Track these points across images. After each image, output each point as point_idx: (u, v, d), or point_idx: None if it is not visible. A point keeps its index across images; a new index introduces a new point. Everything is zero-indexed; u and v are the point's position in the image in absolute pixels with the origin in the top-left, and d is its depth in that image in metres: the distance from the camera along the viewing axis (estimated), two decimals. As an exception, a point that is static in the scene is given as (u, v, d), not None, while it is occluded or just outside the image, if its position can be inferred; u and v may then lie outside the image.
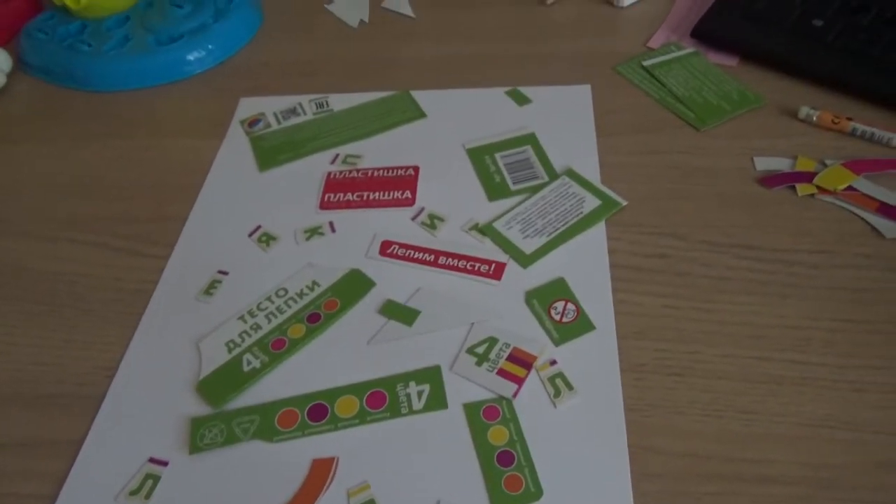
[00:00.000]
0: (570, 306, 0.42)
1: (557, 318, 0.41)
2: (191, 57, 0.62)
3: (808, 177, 0.47)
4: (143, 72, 0.61)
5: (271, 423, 0.38)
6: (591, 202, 0.47)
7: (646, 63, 0.57)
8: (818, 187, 0.47)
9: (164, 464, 0.36)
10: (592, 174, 0.49)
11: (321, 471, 0.36)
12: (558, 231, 0.46)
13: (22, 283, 0.46)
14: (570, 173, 0.49)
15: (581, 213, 0.47)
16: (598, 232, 0.46)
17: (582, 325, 0.41)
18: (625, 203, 0.47)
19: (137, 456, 0.37)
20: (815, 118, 0.51)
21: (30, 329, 0.44)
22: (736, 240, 0.45)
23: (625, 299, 0.42)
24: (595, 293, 0.42)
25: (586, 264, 0.44)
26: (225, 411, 0.38)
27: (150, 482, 0.36)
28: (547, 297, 0.42)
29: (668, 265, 0.44)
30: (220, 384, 0.39)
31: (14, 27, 0.68)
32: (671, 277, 0.43)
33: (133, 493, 0.35)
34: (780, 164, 0.49)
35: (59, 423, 0.39)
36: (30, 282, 0.46)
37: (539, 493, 0.34)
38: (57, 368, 0.41)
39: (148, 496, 0.35)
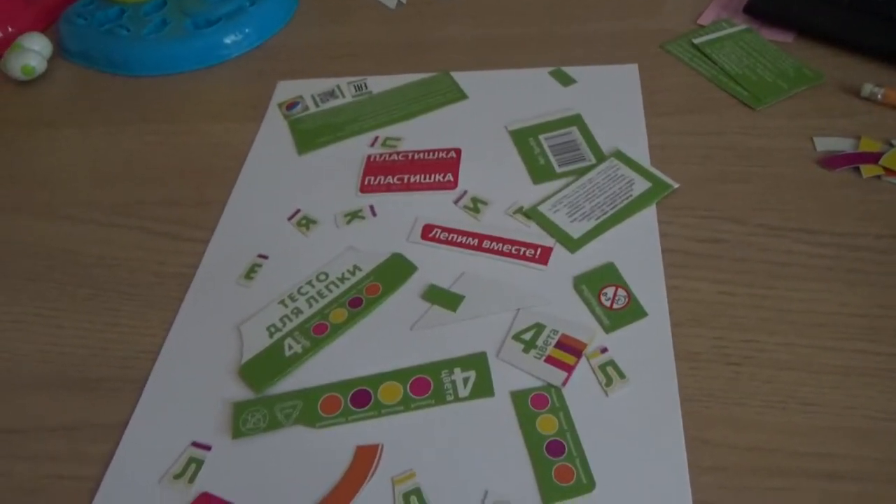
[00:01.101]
0: (621, 292, 0.40)
1: (608, 304, 0.40)
2: (228, 40, 0.61)
3: (873, 157, 0.45)
4: (180, 56, 0.61)
5: (314, 408, 0.37)
6: (641, 185, 0.46)
7: (696, 41, 0.55)
8: (885, 168, 0.44)
9: (208, 448, 0.36)
10: (642, 156, 0.47)
11: (365, 458, 0.35)
12: (607, 214, 0.44)
13: (66, 268, 0.46)
14: (619, 155, 0.47)
15: (630, 195, 0.45)
16: (649, 215, 0.44)
17: (634, 311, 0.39)
18: (676, 185, 0.45)
19: (181, 440, 0.36)
20: (879, 96, 0.48)
21: (75, 313, 0.44)
22: (796, 223, 0.42)
23: (678, 285, 0.40)
24: (647, 279, 0.41)
25: (637, 249, 0.42)
26: (267, 396, 0.38)
27: (193, 466, 0.35)
28: (596, 283, 0.41)
29: (723, 250, 0.42)
30: (261, 369, 0.39)
31: (53, 13, 0.68)
32: (727, 263, 0.41)
33: (177, 476, 0.35)
34: (843, 144, 0.46)
35: (104, 407, 0.39)
36: (74, 266, 0.46)
37: (591, 484, 0.33)
38: (102, 352, 0.41)
39: (191, 480, 0.35)
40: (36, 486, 0.35)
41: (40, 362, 0.41)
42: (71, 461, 0.36)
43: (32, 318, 0.43)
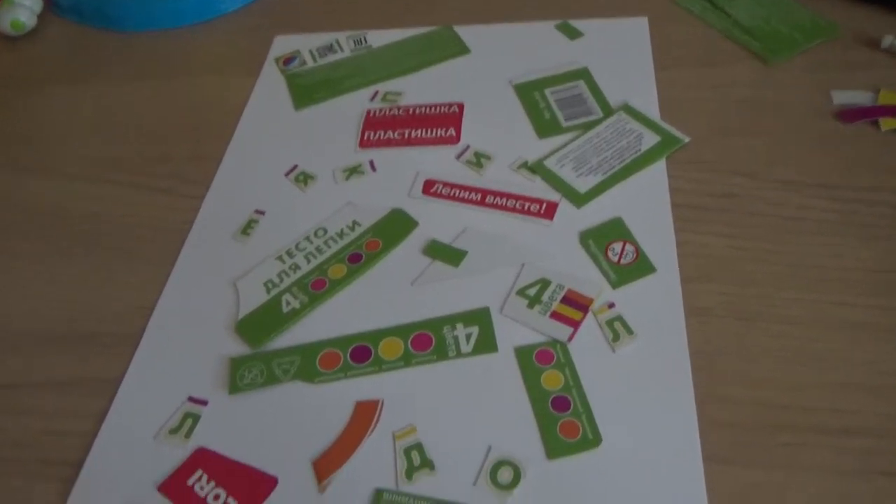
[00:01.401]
0: (629, 247, 0.39)
1: (615, 259, 0.38)
2: (224, -6, 0.59)
3: (892, 111, 0.43)
4: (175, 11, 0.59)
5: (313, 364, 0.36)
6: (650, 139, 0.44)
7: (708, -8, 0.53)
8: (904, 121, 0.42)
9: (204, 403, 0.35)
10: (651, 110, 0.46)
11: (365, 413, 0.34)
12: (614, 169, 0.43)
13: (60, 224, 0.45)
14: (627, 109, 0.46)
15: (639, 150, 0.44)
16: (658, 170, 0.43)
17: (642, 266, 0.38)
18: (687, 140, 0.44)
19: (176, 395, 0.36)
20: (899, 48, 0.46)
21: (69, 269, 0.42)
22: (811, 178, 0.41)
23: (688, 240, 0.39)
24: (656, 234, 0.39)
25: (645, 204, 0.41)
26: (265, 352, 0.37)
27: (189, 421, 0.34)
28: (603, 238, 0.39)
29: (735, 204, 0.40)
30: (258, 324, 0.38)
31: (44, -33, 0.66)
32: (739, 217, 0.40)
33: (173, 431, 0.34)
34: (860, 97, 0.45)
35: (98, 362, 0.38)
36: (68, 222, 0.45)
37: (597, 440, 0.32)
38: (95, 308, 0.40)
39: (188, 435, 0.34)
40: (29, 441, 0.35)
41: (32, 318, 0.40)
42: (64, 416, 0.36)
43: (24, 275, 0.42)
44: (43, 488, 0.33)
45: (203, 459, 0.33)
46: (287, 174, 0.46)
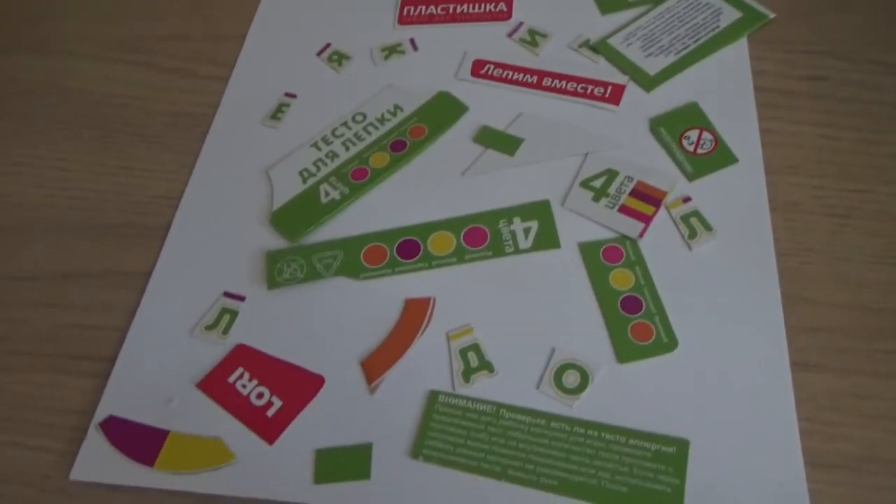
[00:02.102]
0: (707, 135, 0.35)
1: (691, 148, 0.34)
2: None
3: None
4: None
5: (356, 259, 0.33)
6: (730, 14, 0.39)
7: None
8: None
9: (241, 298, 0.32)
10: (731, -19, 0.40)
11: (416, 311, 0.31)
12: (689, 49, 0.38)
13: (69, 106, 0.41)
14: (703, -20, 0.40)
15: (717, 27, 0.38)
16: (740, 50, 0.38)
17: (721, 157, 0.34)
18: (772, 15, 0.39)
19: (211, 290, 0.33)
20: None
21: (83, 155, 0.39)
22: (915, 60, 0.36)
23: (774, 128, 0.35)
24: (737, 121, 0.35)
25: (725, 88, 0.36)
26: (303, 245, 0.34)
27: (227, 317, 0.32)
28: (677, 125, 0.35)
29: (828, 89, 0.36)
30: (295, 216, 0.35)
31: None
32: (832, 104, 0.35)
33: (209, 327, 0.32)
34: (975, -33, 0.39)
35: (124, 254, 0.35)
36: (77, 104, 0.41)
37: (673, 343, 0.29)
38: (115, 197, 0.37)
39: (225, 332, 0.31)
40: (55, 334, 0.32)
41: (48, 207, 0.37)
42: (90, 310, 0.33)
43: (36, 161, 0.39)
44: (75, 383, 0.31)
45: (244, 356, 0.31)
46: (319, 54, 0.41)
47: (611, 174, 0.34)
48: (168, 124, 0.40)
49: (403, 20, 0.42)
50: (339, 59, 0.41)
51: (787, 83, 0.36)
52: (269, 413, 0.29)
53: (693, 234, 0.32)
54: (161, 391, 0.30)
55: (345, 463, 0.28)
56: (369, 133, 0.37)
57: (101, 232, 0.36)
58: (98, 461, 0.29)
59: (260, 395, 0.30)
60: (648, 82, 0.37)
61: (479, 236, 0.33)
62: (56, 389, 0.31)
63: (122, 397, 0.30)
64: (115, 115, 0.40)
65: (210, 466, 0.28)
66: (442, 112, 0.38)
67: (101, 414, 0.30)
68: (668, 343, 0.29)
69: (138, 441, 0.29)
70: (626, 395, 0.28)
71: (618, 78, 0.37)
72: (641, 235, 0.32)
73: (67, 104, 0.41)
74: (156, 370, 0.31)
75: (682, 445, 0.27)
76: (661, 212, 0.33)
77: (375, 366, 0.30)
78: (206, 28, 0.44)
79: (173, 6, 0.45)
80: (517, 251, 0.33)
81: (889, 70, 0.36)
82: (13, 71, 0.43)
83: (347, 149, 0.37)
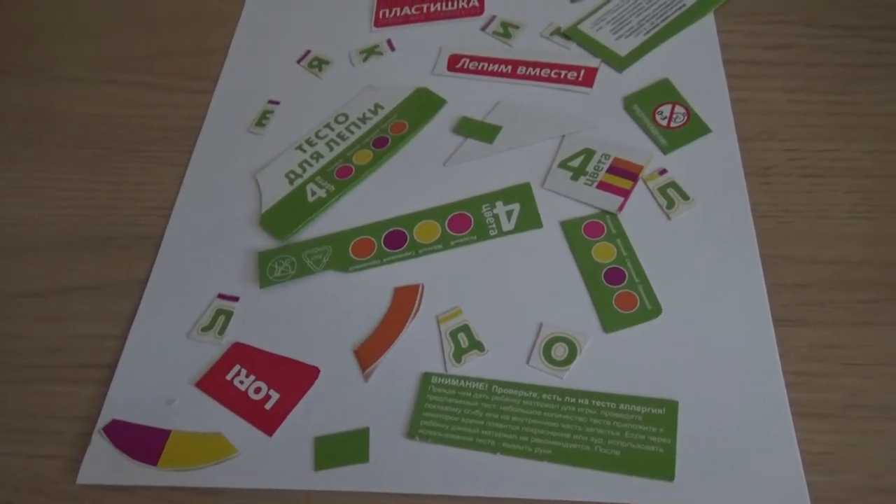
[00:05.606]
0: (679, 109, 0.36)
1: (664, 123, 0.35)
2: None
3: (970, -61, 0.38)
4: None
5: (345, 252, 0.34)
6: (696, -8, 0.40)
7: None
8: None
9: (235, 299, 0.33)
10: (694, -39, 0.41)
11: (406, 298, 0.32)
12: (657, 28, 0.39)
13: (64, 129, 0.42)
14: (668, -39, 0.41)
15: (683, 5, 0.39)
16: (707, 25, 0.39)
17: (694, 128, 0.35)
18: (737, -10, 0.39)
19: (205, 293, 0.34)
20: None
21: (80, 174, 0.40)
22: (877, 20, 0.37)
23: (745, 97, 0.35)
24: (708, 93, 0.36)
25: (695, 62, 0.37)
26: (293, 243, 0.35)
27: (222, 318, 0.33)
28: (650, 102, 0.36)
29: (795, 56, 0.36)
30: (284, 216, 0.36)
31: None
32: (800, 69, 0.36)
33: (205, 328, 0.32)
34: (933, -72, 0.40)
35: (120, 265, 0.36)
36: (72, 126, 0.42)
37: (657, 309, 0.30)
38: (111, 211, 0.38)
39: (221, 332, 0.32)
40: (60, 346, 0.33)
41: (48, 225, 0.38)
42: (93, 320, 0.34)
43: (34, 182, 0.40)
44: (79, 391, 0.32)
45: (240, 354, 0.31)
46: (299, 61, 0.42)
47: (588, 153, 0.35)
48: (158, 139, 0.41)
49: (380, 23, 0.43)
50: (319, 64, 0.42)
51: (755, 53, 0.37)
52: (268, 406, 0.30)
53: (671, 204, 0.33)
54: (161, 393, 0.31)
55: (343, 448, 0.28)
56: (352, 132, 0.38)
57: (99, 245, 0.37)
58: (104, 464, 0.29)
59: (258, 390, 0.30)
60: (620, 63, 0.38)
61: (464, 222, 0.34)
62: (61, 398, 0.32)
63: (124, 401, 0.31)
64: (108, 133, 0.42)
65: (212, 461, 0.29)
66: (421, 107, 0.38)
67: (104, 419, 0.30)
68: (652, 310, 0.30)
69: (141, 442, 0.29)
70: (615, 363, 0.29)
71: (590, 61, 0.38)
72: (621, 209, 0.33)
73: (63, 127, 0.42)
74: (155, 373, 0.31)
75: (672, 406, 0.28)
76: (639, 185, 0.33)
77: (369, 353, 0.31)
78: (190, 43, 0.45)
79: (157, 24, 0.47)
80: (501, 233, 0.33)
81: (852, 33, 0.37)
82: (8, 97, 0.45)
83: (331, 149, 0.38)
